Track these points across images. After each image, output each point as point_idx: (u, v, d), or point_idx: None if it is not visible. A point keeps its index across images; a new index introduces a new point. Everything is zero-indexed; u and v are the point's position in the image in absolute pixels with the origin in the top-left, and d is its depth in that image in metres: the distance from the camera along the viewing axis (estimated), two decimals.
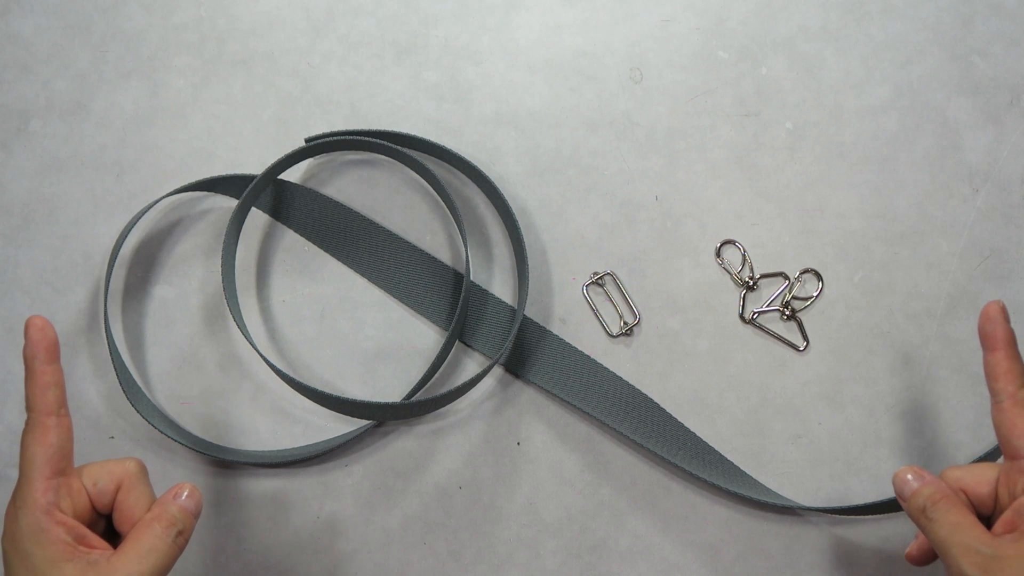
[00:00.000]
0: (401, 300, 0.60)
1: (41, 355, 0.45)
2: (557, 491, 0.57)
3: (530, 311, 0.60)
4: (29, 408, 0.45)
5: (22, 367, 0.59)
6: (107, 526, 0.46)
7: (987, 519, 0.46)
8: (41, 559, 0.42)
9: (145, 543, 0.43)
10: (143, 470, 0.46)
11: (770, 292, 0.60)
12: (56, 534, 0.42)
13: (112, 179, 0.62)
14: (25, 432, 0.44)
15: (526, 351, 0.59)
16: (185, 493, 0.46)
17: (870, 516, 0.56)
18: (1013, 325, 0.58)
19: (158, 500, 0.46)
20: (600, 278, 0.60)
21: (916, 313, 0.59)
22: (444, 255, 0.61)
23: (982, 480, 0.46)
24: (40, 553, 0.42)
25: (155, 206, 0.61)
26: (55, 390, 0.45)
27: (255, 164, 0.62)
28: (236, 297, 0.60)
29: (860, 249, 0.60)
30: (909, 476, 0.46)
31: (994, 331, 0.46)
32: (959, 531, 0.43)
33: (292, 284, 0.61)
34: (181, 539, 0.45)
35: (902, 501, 0.46)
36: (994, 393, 0.46)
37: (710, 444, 0.58)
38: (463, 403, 0.59)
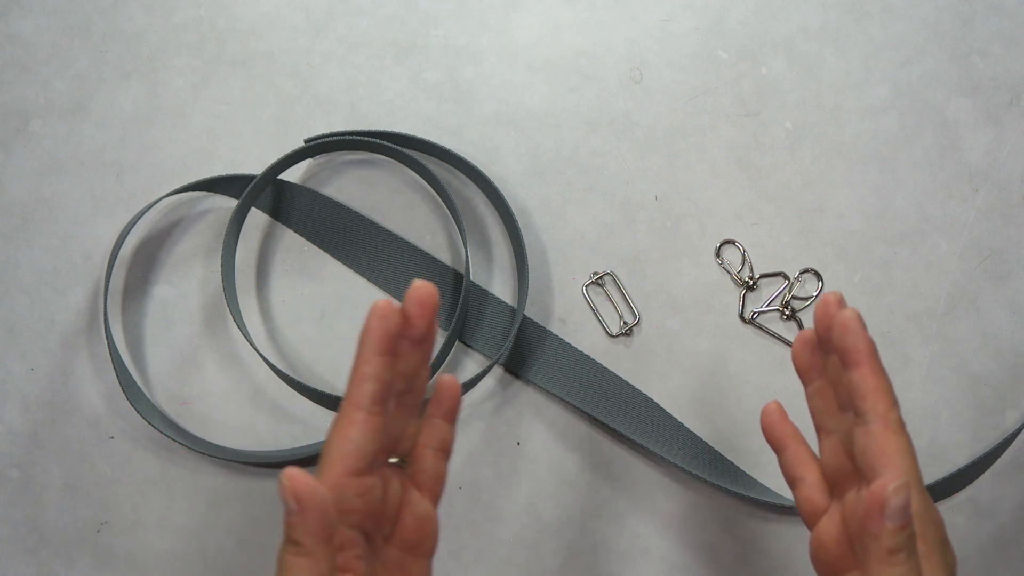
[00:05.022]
0: (401, 300, 0.60)
1: (372, 343, 0.39)
2: (557, 491, 0.57)
3: (530, 311, 0.60)
4: (344, 396, 0.39)
5: (22, 367, 0.60)
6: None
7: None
8: None
9: None
10: None
11: (770, 292, 0.60)
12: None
13: (112, 179, 0.62)
14: (333, 420, 0.39)
15: (526, 351, 0.59)
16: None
17: None
18: (1013, 326, 0.58)
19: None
20: (600, 278, 0.60)
21: (916, 313, 0.59)
22: (444, 255, 0.61)
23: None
24: None
25: (155, 206, 0.61)
26: (373, 384, 0.39)
27: (255, 164, 0.62)
28: (236, 297, 0.60)
29: (860, 249, 0.60)
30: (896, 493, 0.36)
31: (856, 343, 0.39)
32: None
33: (292, 284, 0.61)
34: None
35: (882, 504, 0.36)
36: (861, 413, 0.39)
37: (710, 444, 0.58)
38: (463, 403, 0.59)
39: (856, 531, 0.39)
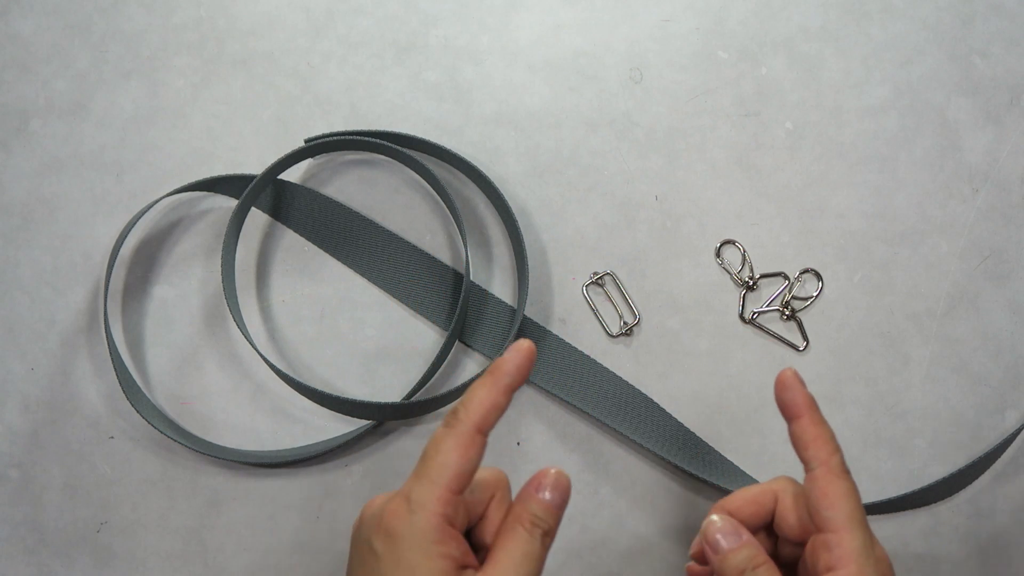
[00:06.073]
0: (401, 300, 0.60)
1: (511, 378, 0.41)
2: None
3: (530, 311, 0.60)
4: (465, 414, 0.40)
5: (22, 367, 0.60)
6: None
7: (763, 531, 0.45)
8: (426, 571, 0.38)
9: (516, 552, 0.40)
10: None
11: (770, 292, 0.60)
12: (449, 550, 0.39)
13: (112, 179, 0.62)
14: (447, 435, 0.40)
15: None
16: (548, 488, 0.41)
17: (870, 516, 0.56)
18: (1013, 326, 0.58)
19: (519, 496, 0.42)
20: (600, 278, 0.60)
21: (916, 313, 0.59)
22: (444, 255, 0.61)
23: (759, 512, 0.44)
24: (427, 565, 0.38)
25: (155, 206, 0.61)
26: (496, 415, 0.41)
27: (255, 164, 0.62)
28: (236, 297, 0.60)
29: (860, 249, 0.60)
30: (718, 529, 0.42)
31: (794, 398, 0.42)
32: None
33: (292, 284, 0.61)
34: (548, 539, 0.41)
35: (713, 554, 0.42)
36: (806, 462, 0.42)
37: (710, 444, 0.58)
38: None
39: None
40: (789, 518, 0.43)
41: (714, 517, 0.43)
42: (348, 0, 0.64)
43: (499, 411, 0.41)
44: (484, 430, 0.41)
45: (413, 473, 0.40)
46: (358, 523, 0.42)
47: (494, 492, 0.42)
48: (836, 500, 0.40)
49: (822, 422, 0.42)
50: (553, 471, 0.42)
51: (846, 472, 0.42)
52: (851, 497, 0.41)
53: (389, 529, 0.39)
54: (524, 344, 0.41)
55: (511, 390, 0.41)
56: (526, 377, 0.41)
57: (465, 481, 0.40)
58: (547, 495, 0.41)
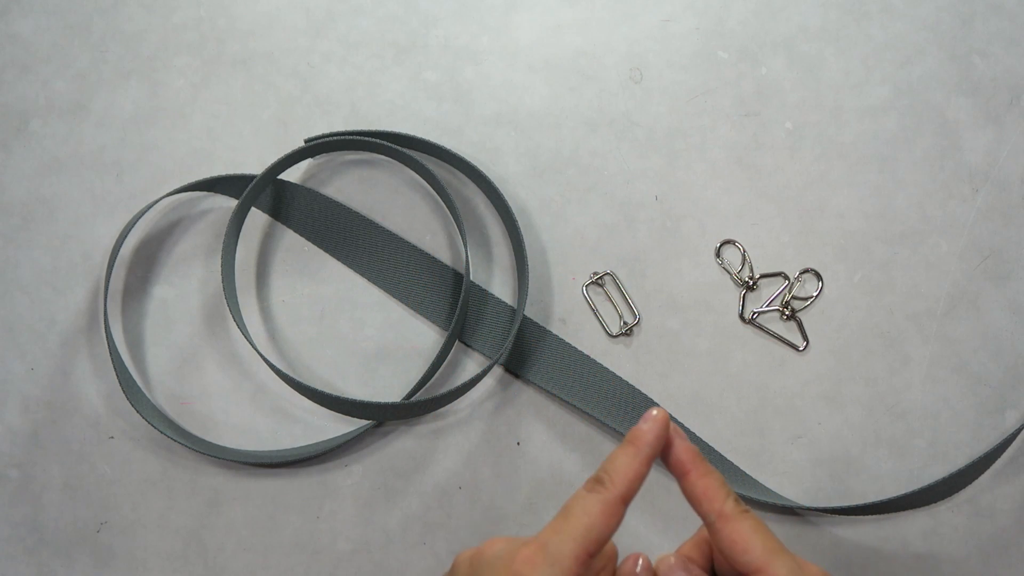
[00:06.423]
0: (401, 300, 0.60)
1: (652, 449, 0.42)
2: (557, 491, 0.57)
3: (530, 311, 0.60)
4: (611, 482, 0.41)
5: (22, 367, 0.60)
6: None
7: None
8: None
9: None
10: None
11: (770, 292, 0.60)
12: None
13: (112, 179, 0.62)
14: (593, 498, 0.41)
15: (526, 351, 0.59)
16: (640, 566, 0.43)
17: (870, 516, 0.56)
18: (1013, 326, 0.58)
19: (624, 574, 0.43)
20: (600, 278, 0.60)
21: (916, 313, 0.59)
22: (444, 255, 0.61)
23: (704, 564, 0.44)
24: None
25: (155, 206, 0.61)
26: (639, 485, 0.42)
27: (255, 164, 0.62)
28: (236, 297, 0.60)
29: (860, 249, 0.60)
30: (669, 566, 0.43)
31: (677, 455, 0.43)
32: None
33: (292, 284, 0.61)
34: None
35: None
36: (703, 516, 0.42)
37: (710, 444, 0.58)
38: (463, 403, 0.59)
39: None
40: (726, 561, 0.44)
41: (665, 554, 0.44)
42: (348, 0, 0.64)
43: (641, 481, 0.42)
44: (628, 500, 0.41)
45: (550, 526, 0.41)
46: (476, 558, 0.42)
47: (606, 563, 0.43)
48: (747, 542, 0.40)
49: (709, 472, 0.42)
50: (643, 557, 0.44)
51: (744, 510, 0.41)
52: (759, 531, 0.41)
53: (519, 575, 0.39)
54: (661, 415, 0.42)
55: (652, 460, 0.42)
56: (663, 446, 0.42)
57: (601, 546, 0.40)
58: (640, 572, 0.43)
